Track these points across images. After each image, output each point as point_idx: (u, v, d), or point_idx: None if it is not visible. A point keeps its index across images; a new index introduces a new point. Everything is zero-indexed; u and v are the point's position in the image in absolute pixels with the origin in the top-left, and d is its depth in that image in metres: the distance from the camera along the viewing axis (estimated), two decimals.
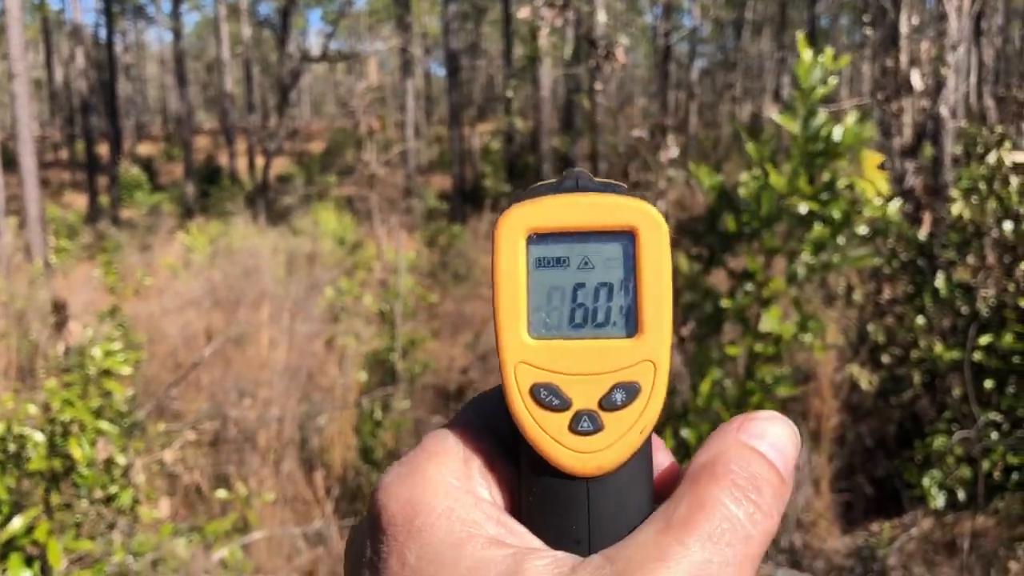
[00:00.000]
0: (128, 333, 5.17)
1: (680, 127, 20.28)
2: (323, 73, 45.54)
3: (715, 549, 0.34)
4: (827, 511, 4.18)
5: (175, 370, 5.90)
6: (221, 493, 3.87)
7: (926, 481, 4.08)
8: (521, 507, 0.39)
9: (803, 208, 3.42)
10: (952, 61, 5.54)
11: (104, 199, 20.01)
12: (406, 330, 6.04)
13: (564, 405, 0.38)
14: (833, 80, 3.43)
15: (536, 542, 0.38)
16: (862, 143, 3.40)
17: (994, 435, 4.06)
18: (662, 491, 0.39)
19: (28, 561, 2.64)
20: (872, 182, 3.42)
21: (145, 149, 32.95)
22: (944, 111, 5.62)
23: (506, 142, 20.84)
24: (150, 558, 2.91)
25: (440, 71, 39.94)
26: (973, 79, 15.31)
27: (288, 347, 5.79)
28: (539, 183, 0.40)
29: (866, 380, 4.68)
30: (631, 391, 0.38)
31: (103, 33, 26.38)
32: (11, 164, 12.93)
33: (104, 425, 3.02)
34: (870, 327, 4.94)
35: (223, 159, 24.67)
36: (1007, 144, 4.58)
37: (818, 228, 3.45)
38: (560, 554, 0.36)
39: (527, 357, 0.38)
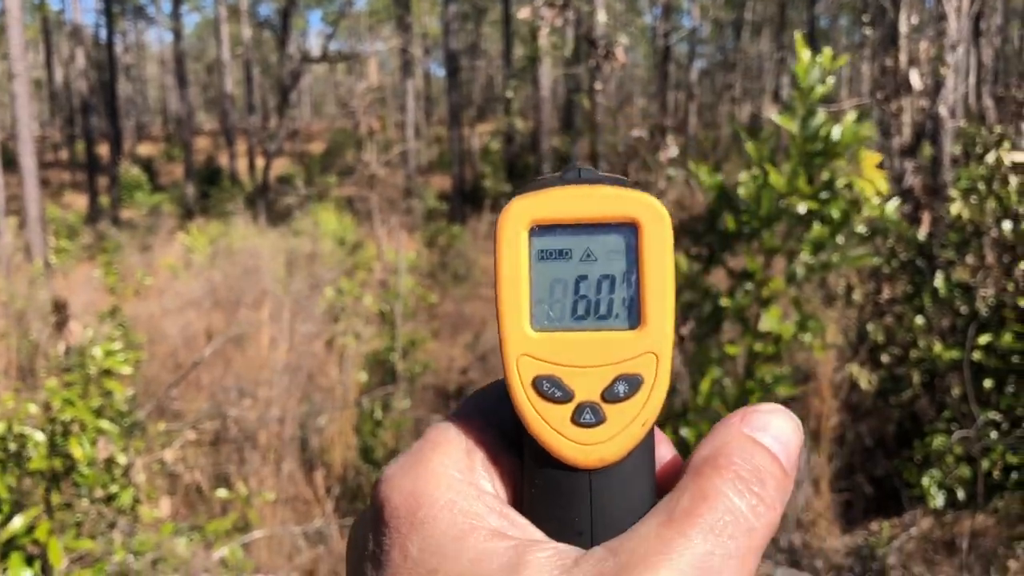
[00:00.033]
0: (128, 333, 5.17)
1: (679, 127, 20.29)
2: (323, 74, 45.53)
3: (718, 541, 0.34)
4: (827, 510, 4.18)
5: (175, 370, 5.90)
6: (221, 492, 3.87)
7: (925, 480, 4.08)
8: (523, 499, 0.39)
9: (802, 208, 3.42)
10: (951, 61, 5.54)
11: (104, 199, 20.01)
12: (406, 330, 6.04)
13: (566, 397, 0.38)
14: (831, 80, 3.43)
15: (538, 534, 0.37)
16: (860, 142, 3.40)
17: (993, 434, 4.06)
18: (664, 484, 0.39)
19: (29, 560, 2.64)
20: (871, 181, 3.42)
21: (145, 150, 32.95)
22: (943, 111, 5.62)
23: (506, 142, 20.84)
24: (150, 557, 2.91)
25: (440, 71, 39.93)
26: (972, 79, 15.31)
27: (288, 347, 5.79)
28: (541, 176, 0.41)
29: (865, 380, 4.68)
30: (633, 383, 0.38)
31: (103, 33, 26.40)
32: (11, 164, 12.93)
33: (104, 424, 3.02)
34: (869, 327, 4.94)
35: (223, 160, 24.67)
36: (1006, 144, 4.58)
37: (817, 227, 3.45)
38: (562, 546, 0.36)
39: (529, 349, 0.38)
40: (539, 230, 0.39)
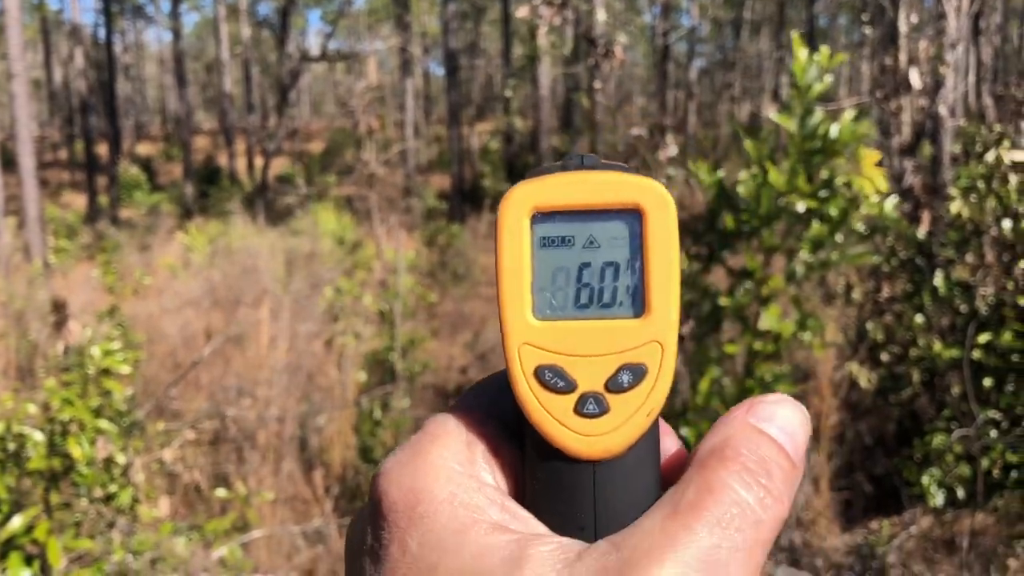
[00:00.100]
0: (127, 333, 5.16)
1: (679, 126, 20.29)
2: (322, 73, 45.53)
3: (724, 534, 0.33)
4: (826, 509, 4.18)
5: (174, 369, 5.89)
6: (220, 492, 3.86)
7: (925, 479, 4.08)
8: (525, 492, 0.38)
9: (801, 206, 3.41)
10: (951, 60, 5.54)
11: (103, 199, 20.00)
12: (405, 330, 6.04)
13: (569, 387, 0.37)
14: (828, 78, 3.42)
15: (541, 528, 0.37)
16: (859, 140, 3.40)
17: (993, 433, 4.05)
18: (669, 476, 0.38)
19: (28, 560, 2.64)
20: (870, 179, 3.42)
21: (144, 149, 32.94)
22: (943, 110, 5.62)
23: (505, 141, 20.83)
24: (149, 557, 2.91)
25: (439, 71, 39.91)
26: (972, 78, 15.32)
27: (287, 347, 5.78)
28: (543, 164, 0.40)
29: (865, 378, 4.67)
30: (638, 372, 0.37)
31: (102, 33, 26.39)
32: (10, 164, 12.93)
33: (103, 424, 3.01)
34: (869, 325, 4.93)
35: (222, 159, 24.67)
36: (1006, 142, 4.58)
37: (816, 226, 3.45)
38: (565, 540, 0.35)
39: (531, 338, 0.38)
40: (541, 217, 0.38)
